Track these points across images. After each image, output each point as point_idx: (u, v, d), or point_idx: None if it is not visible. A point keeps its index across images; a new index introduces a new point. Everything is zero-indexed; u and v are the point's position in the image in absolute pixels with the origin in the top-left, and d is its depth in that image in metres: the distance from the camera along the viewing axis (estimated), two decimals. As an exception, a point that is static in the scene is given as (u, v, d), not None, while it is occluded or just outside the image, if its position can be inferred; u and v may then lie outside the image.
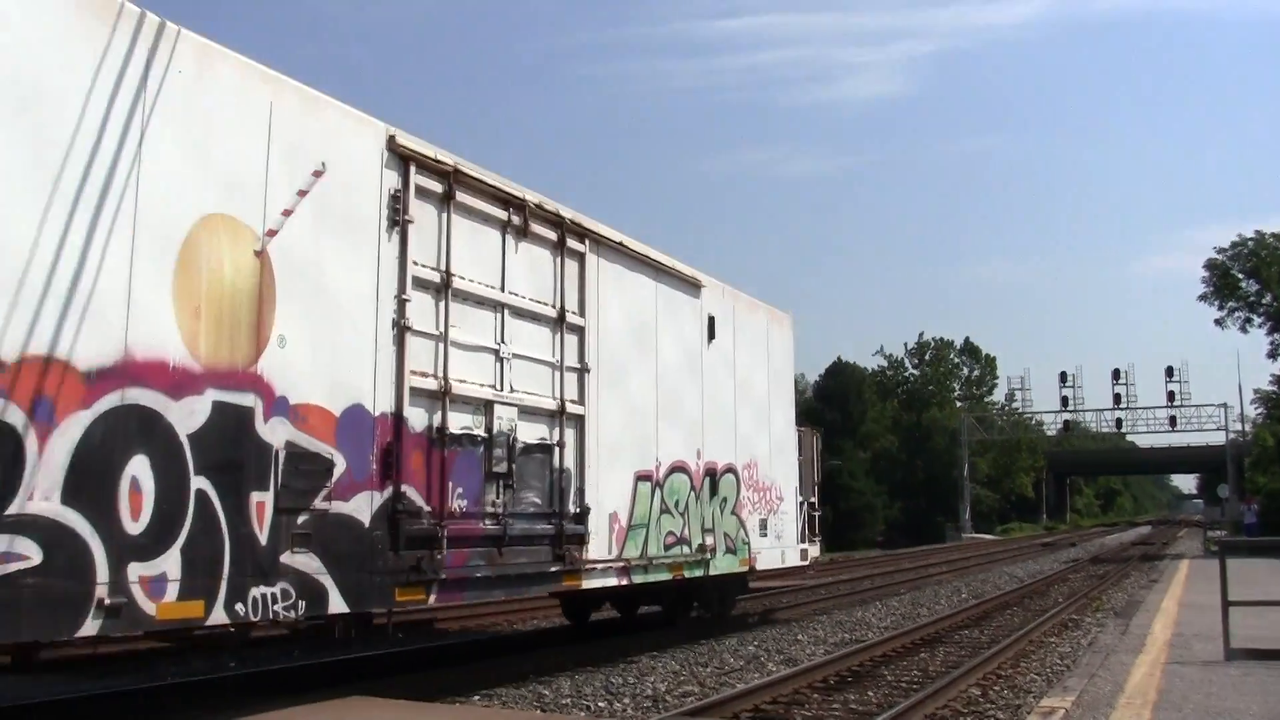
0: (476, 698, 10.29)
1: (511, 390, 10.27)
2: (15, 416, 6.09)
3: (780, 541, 16.52)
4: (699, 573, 14.01)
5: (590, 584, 11.58)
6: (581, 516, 11.18)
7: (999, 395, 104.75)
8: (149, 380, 6.84)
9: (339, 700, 8.89)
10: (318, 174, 8.15)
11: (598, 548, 11.52)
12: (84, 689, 10.07)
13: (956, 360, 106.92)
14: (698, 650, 13.78)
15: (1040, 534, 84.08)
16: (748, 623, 17.01)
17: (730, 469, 14.94)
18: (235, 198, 7.54)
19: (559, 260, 11.19)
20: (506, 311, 10.31)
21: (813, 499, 18.36)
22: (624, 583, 12.23)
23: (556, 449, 10.86)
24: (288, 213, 7.89)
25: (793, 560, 17.14)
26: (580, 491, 11.23)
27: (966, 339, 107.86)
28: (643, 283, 12.99)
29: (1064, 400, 73.78)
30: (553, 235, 11.11)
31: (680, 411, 13.59)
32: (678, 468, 13.44)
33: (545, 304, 10.92)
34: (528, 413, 10.52)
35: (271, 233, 7.75)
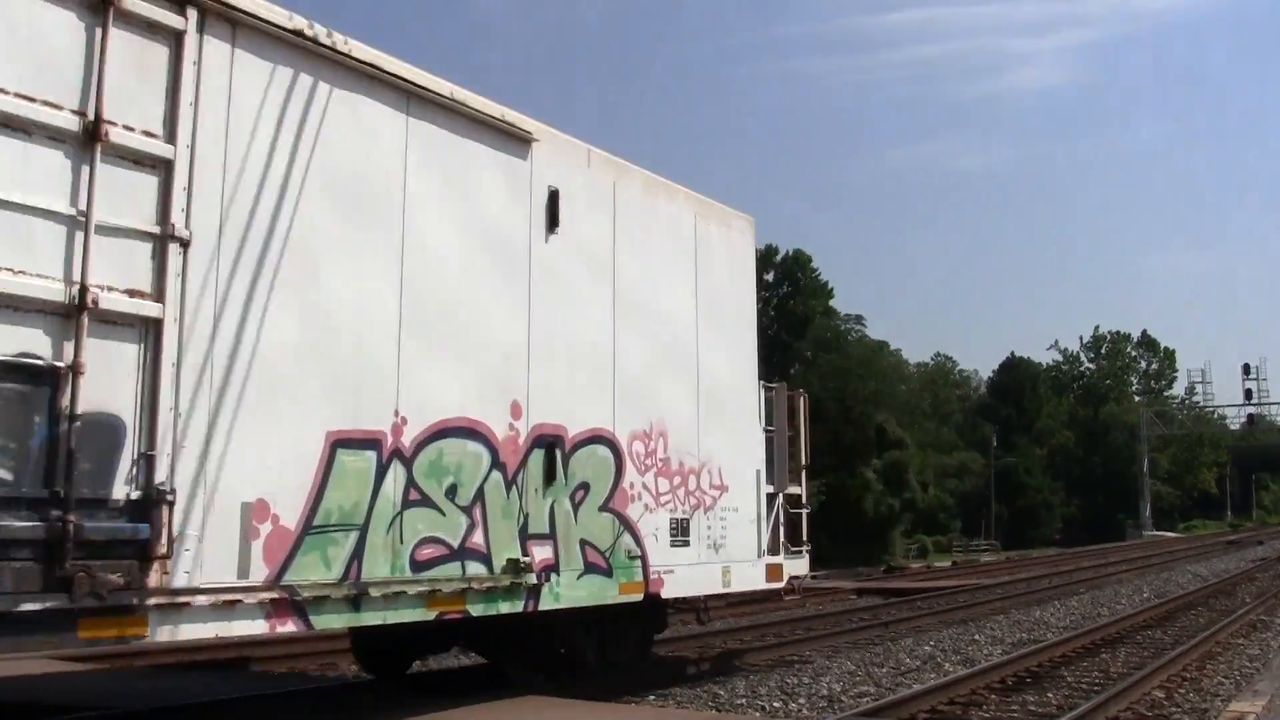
0: (651, 697, 10.51)
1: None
2: None
3: (722, 554, 11.09)
4: (509, 607, 8.71)
5: (183, 629, 6.43)
6: (141, 506, 6.10)
7: (1179, 389, 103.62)
8: None
9: (516, 699, 8.98)
10: None
11: (210, 564, 6.40)
12: (245, 689, 10.14)
13: (1134, 354, 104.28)
14: (873, 651, 14.12)
15: (1224, 531, 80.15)
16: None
17: (601, 437, 9.62)
18: None
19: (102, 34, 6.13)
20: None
21: (795, 490, 12.84)
22: (288, 627, 7.05)
23: (67, 376, 5.82)
24: None
25: (749, 581, 11.68)
26: (147, 460, 6.16)
27: (1144, 332, 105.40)
28: (377, 116, 7.79)
29: (1247, 393, 71.22)
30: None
31: (470, 333, 8.37)
32: (457, 429, 8.20)
33: (57, 106, 5.88)
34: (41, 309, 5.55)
35: None
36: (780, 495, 12.28)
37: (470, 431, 8.31)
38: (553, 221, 9.25)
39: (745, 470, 11.59)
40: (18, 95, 5.70)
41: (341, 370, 7.32)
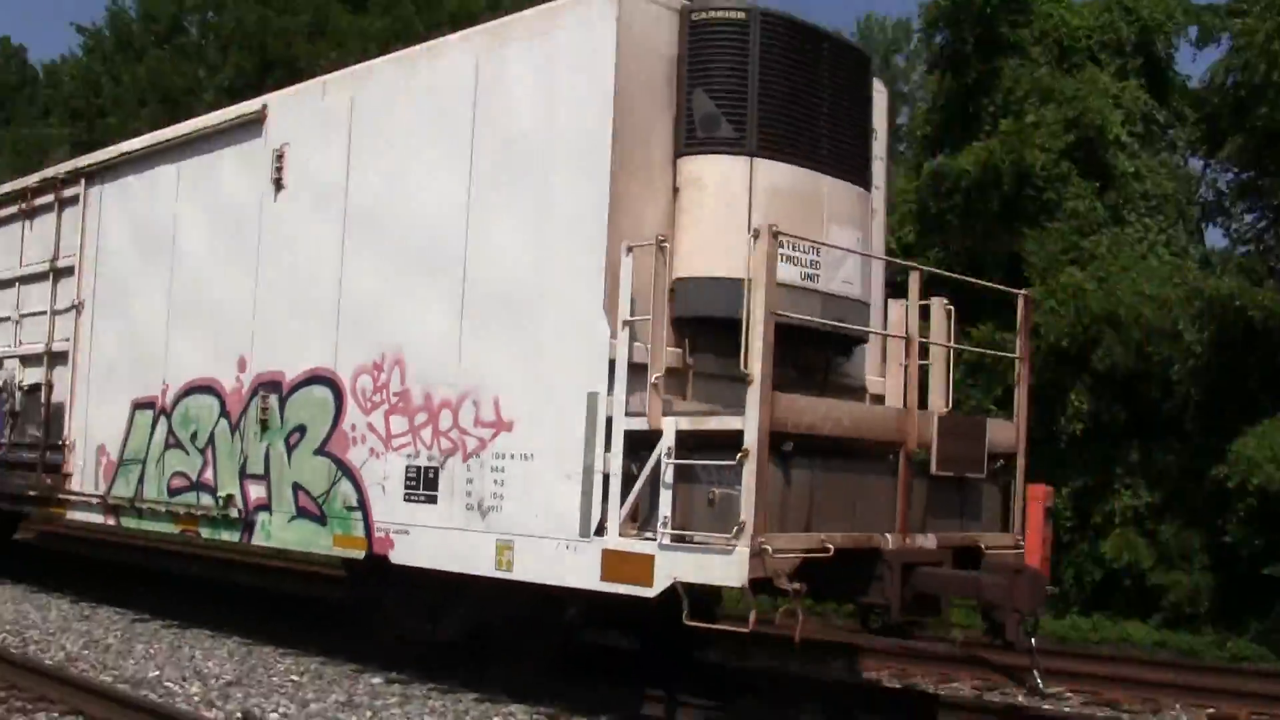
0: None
1: (20, 344, 12.98)
2: None
3: (493, 521, 8.00)
4: (230, 535, 10.09)
5: (74, 516, 11.81)
6: (59, 448, 12.02)
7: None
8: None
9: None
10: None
11: (82, 482, 11.80)
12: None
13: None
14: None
15: None
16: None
17: (319, 377, 9.47)
18: None
19: (57, 215, 12.52)
20: (19, 284, 13.10)
21: (694, 419, 6.80)
22: (111, 522, 11.31)
23: (44, 387, 12.40)
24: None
25: (555, 571, 7.57)
26: (62, 424, 12.05)
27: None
28: (157, 177, 11.27)
29: None
30: (50, 197, 12.61)
31: (211, 309, 10.56)
32: (198, 387, 10.58)
33: (45, 262, 12.64)
34: (28, 360, 12.82)
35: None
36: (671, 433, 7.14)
37: (206, 388, 10.52)
38: (279, 179, 10.00)
39: (557, 396, 7.72)
40: (37, 263, 12.83)
41: (138, 356, 11.33)
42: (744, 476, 6.72)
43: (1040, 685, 7.77)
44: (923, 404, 8.35)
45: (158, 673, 9.51)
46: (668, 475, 7.06)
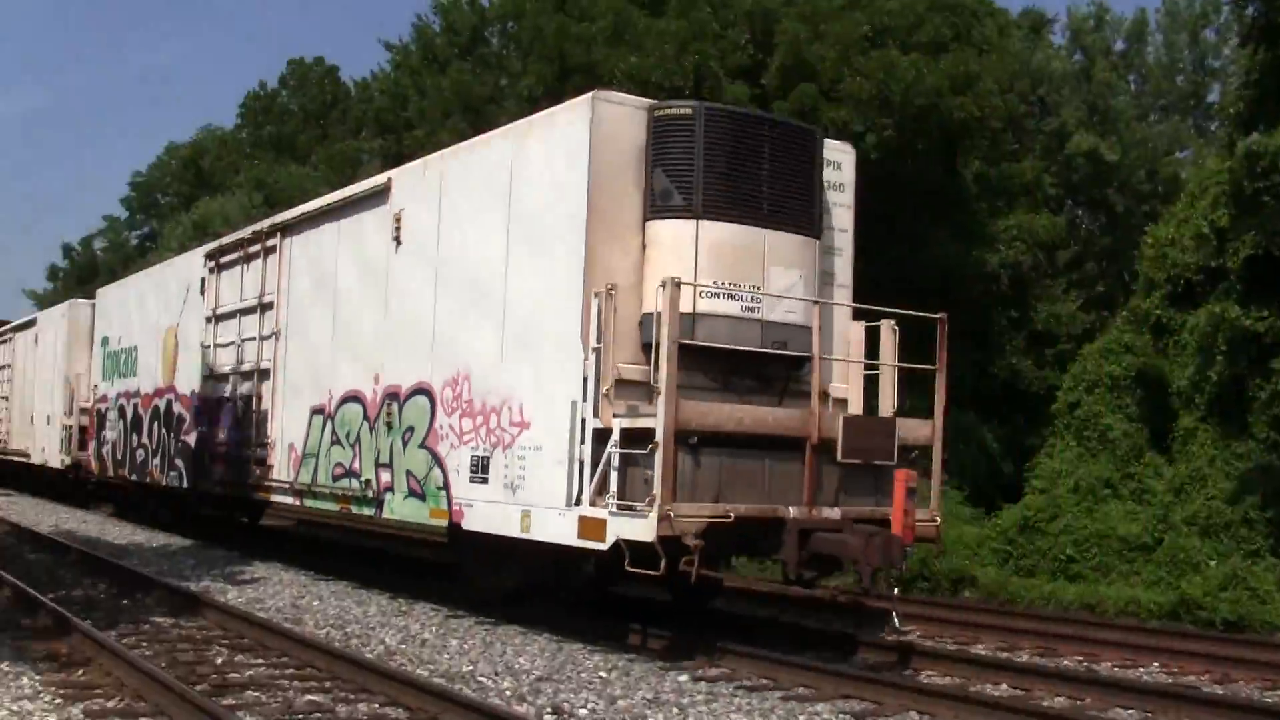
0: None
1: (240, 364, 16.78)
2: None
3: (520, 496, 10.86)
4: (369, 511, 13.35)
5: (276, 499, 15.40)
6: (265, 445, 15.69)
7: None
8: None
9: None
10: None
11: (279, 471, 15.40)
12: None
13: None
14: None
15: None
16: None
17: (421, 390, 12.58)
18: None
19: (263, 260, 16.19)
20: (239, 315, 16.91)
21: (632, 419, 9.34)
22: (298, 503, 14.83)
23: (255, 398, 16.11)
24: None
25: (555, 532, 10.33)
26: (266, 427, 15.72)
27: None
28: (325, 232, 14.69)
29: None
30: (259, 247, 16.30)
31: (358, 337, 13.86)
32: (350, 397, 13.90)
33: (255, 298, 16.35)
34: (245, 376, 16.57)
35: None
36: (597, 429, 9.84)
37: (355, 397, 13.82)
38: (398, 237, 13.18)
39: (553, 402, 10.53)
40: (251, 299, 16.57)
41: (315, 373, 14.79)
42: (655, 462, 9.30)
43: (896, 624, 9.90)
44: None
45: (471, 667, 9.82)
46: (615, 461, 9.73)
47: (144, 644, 10.31)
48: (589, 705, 8.56)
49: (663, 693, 9.05)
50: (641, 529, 9.38)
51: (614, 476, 9.75)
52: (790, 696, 8.96)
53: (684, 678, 9.60)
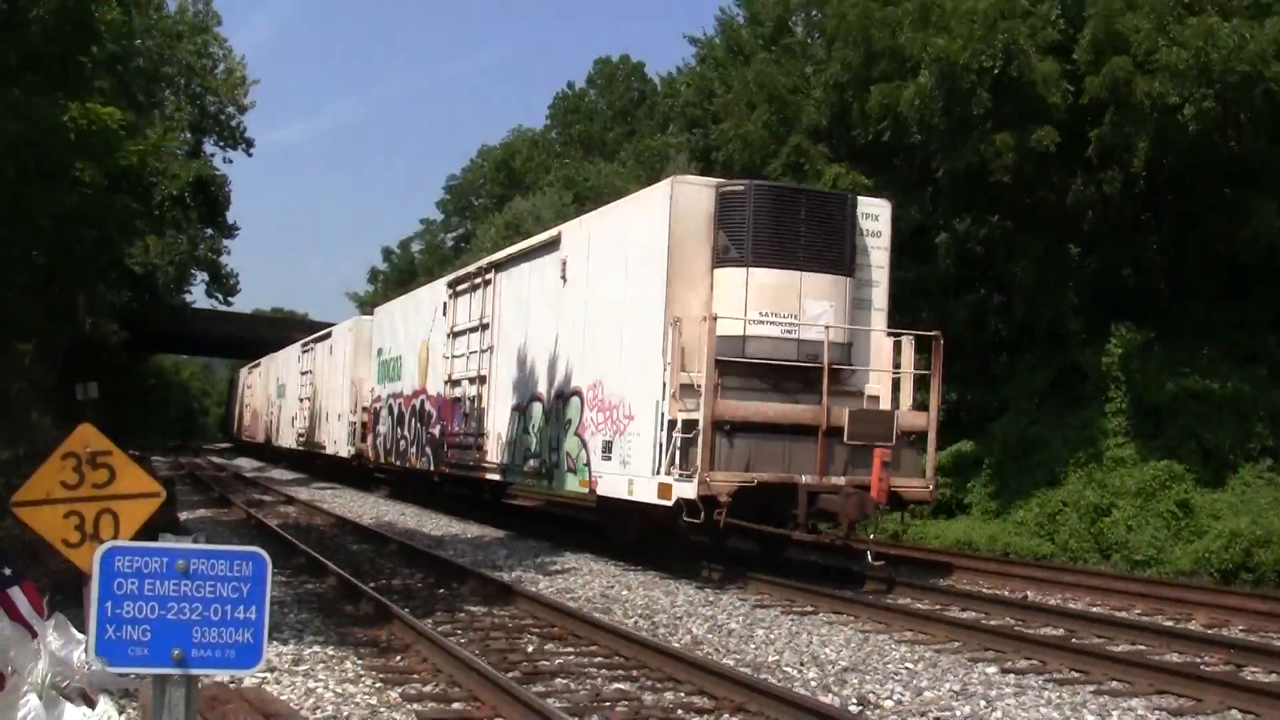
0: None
1: (468, 371, 21.80)
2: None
3: (628, 469, 15.19)
4: (545, 483, 17.95)
5: (489, 476, 20.26)
6: (482, 436, 20.60)
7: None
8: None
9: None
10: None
11: (490, 455, 20.28)
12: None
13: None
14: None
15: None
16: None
17: (576, 392, 17.09)
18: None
19: (484, 290, 21.11)
20: (468, 332, 21.93)
21: (688, 412, 13.50)
22: (501, 479, 19.62)
23: (476, 399, 21.05)
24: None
25: (645, 495, 14.59)
26: (483, 422, 20.62)
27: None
28: (522, 270, 19.42)
29: None
30: (480, 279, 21.24)
31: (540, 351, 18.50)
32: (535, 398, 18.58)
33: (478, 319, 21.30)
34: (471, 381, 21.57)
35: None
36: (673, 420, 14.02)
37: (539, 398, 18.46)
38: (564, 278, 17.72)
39: (645, 400, 14.81)
40: (476, 321, 21.54)
41: (514, 380, 19.55)
42: (698, 443, 13.42)
43: (870, 561, 13.59)
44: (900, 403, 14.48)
45: (777, 657, 10.10)
46: (678, 443, 13.89)
47: (459, 632, 10.86)
48: (895, 696, 8.69)
49: (970, 684, 9.17)
50: (689, 490, 13.53)
51: (677, 454, 13.93)
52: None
53: (992, 670, 9.79)
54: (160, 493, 5.43)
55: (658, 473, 14.38)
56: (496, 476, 20.55)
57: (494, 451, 20.35)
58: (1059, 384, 21.59)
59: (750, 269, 14.35)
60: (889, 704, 8.50)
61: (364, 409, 30.66)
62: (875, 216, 15.44)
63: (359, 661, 9.43)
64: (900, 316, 17.99)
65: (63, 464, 5.17)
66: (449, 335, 23.23)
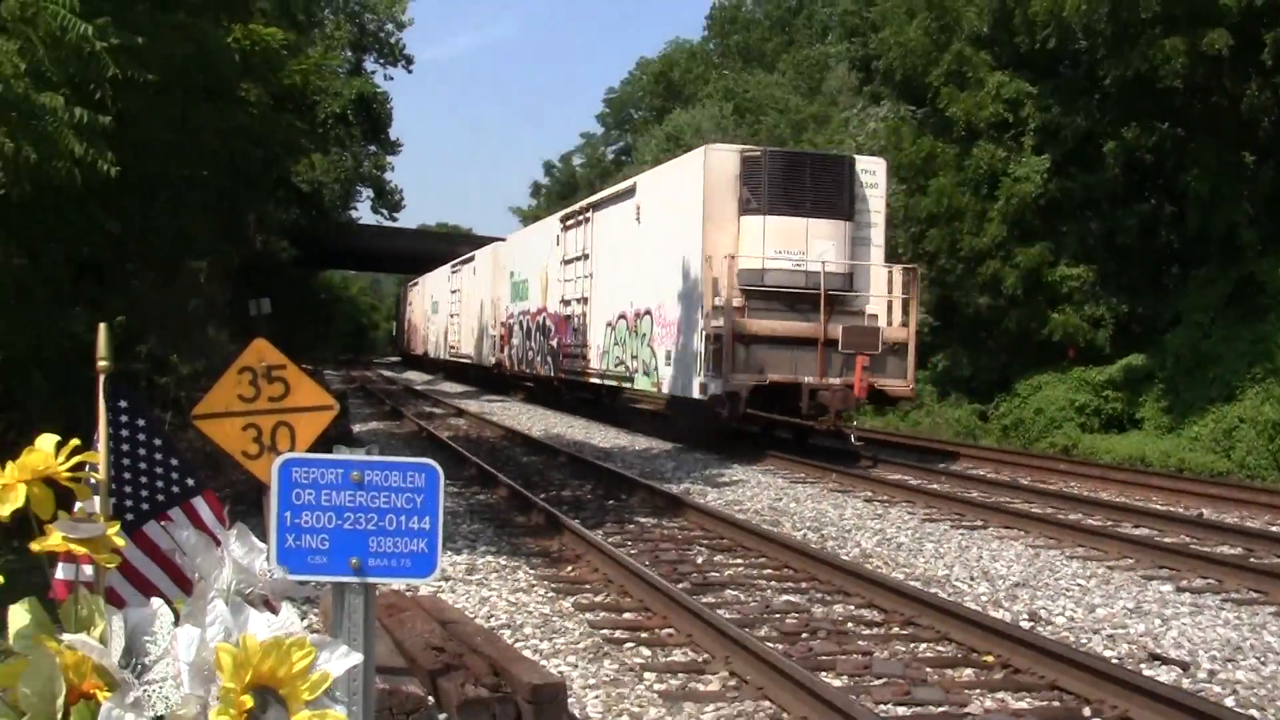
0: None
1: (573, 293, 26.61)
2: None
3: (680, 372, 19.81)
4: (628, 384, 22.72)
5: (591, 380, 25.14)
6: (584, 348, 25.42)
7: None
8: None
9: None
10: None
11: (591, 363, 25.11)
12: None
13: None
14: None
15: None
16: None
17: (647, 311, 21.73)
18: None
19: (585, 226, 25.78)
20: (576, 260, 26.68)
21: (719, 328, 18.02)
22: (600, 381, 24.48)
23: (580, 317, 25.85)
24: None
25: (690, 391, 19.21)
26: (585, 336, 25.44)
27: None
28: (611, 210, 24.01)
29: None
30: (582, 216, 25.93)
31: (623, 278, 23.15)
32: (620, 315, 23.28)
33: (582, 250, 26.01)
34: (578, 302, 26.37)
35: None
36: (710, 333, 18.57)
37: (623, 315, 23.15)
38: (638, 219, 22.26)
39: (691, 319, 19.37)
40: (581, 252, 26.27)
41: (607, 301, 24.27)
42: (722, 351, 17.97)
43: (853, 441, 18.00)
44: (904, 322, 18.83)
45: (947, 571, 10.09)
46: (710, 351, 18.43)
47: (629, 543, 11.03)
48: (1067, 613, 8.67)
49: (1144, 602, 9.07)
50: (717, 387, 18.12)
51: (710, 360, 18.49)
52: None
53: (1167, 588, 9.66)
54: (334, 405, 5.43)
55: (698, 374, 18.98)
56: (597, 380, 25.42)
57: (594, 359, 25.19)
58: (1235, 296, 21.18)
59: (766, 216, 18.69)
60: (1060, 620, 8.49)
61: (501, 324, 35.85)
62: (873, 172, 19.56)
63: (531, 571, 9.66)
64: (1065, 228, 20.88)
65: (239, 378, 5.23)
66: (561, 263, 28.04)
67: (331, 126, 42.07)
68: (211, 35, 11.45)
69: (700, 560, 10.42)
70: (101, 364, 3.00)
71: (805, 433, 20.52)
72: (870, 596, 8.92)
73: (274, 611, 2.09)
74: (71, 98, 8.30)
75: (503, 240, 38.84)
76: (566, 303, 27.58)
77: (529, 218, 63.78)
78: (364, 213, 61.61)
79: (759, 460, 18.48)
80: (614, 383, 24.21)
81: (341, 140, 48.24)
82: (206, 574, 2.25)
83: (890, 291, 19.29)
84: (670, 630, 7.99)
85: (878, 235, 19.65)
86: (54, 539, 2.05)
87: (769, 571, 9.99)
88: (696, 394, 19.05)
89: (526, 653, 6.76)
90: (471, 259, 41.89)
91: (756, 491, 15.06)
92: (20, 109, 8.01)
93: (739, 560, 10.46)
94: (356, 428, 22.01)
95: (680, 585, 8.98)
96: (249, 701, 1.74)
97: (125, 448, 3.31)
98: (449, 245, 54.77)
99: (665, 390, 20.64)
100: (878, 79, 26.99)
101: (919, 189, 25.89)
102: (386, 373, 58.67)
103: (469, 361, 40.96)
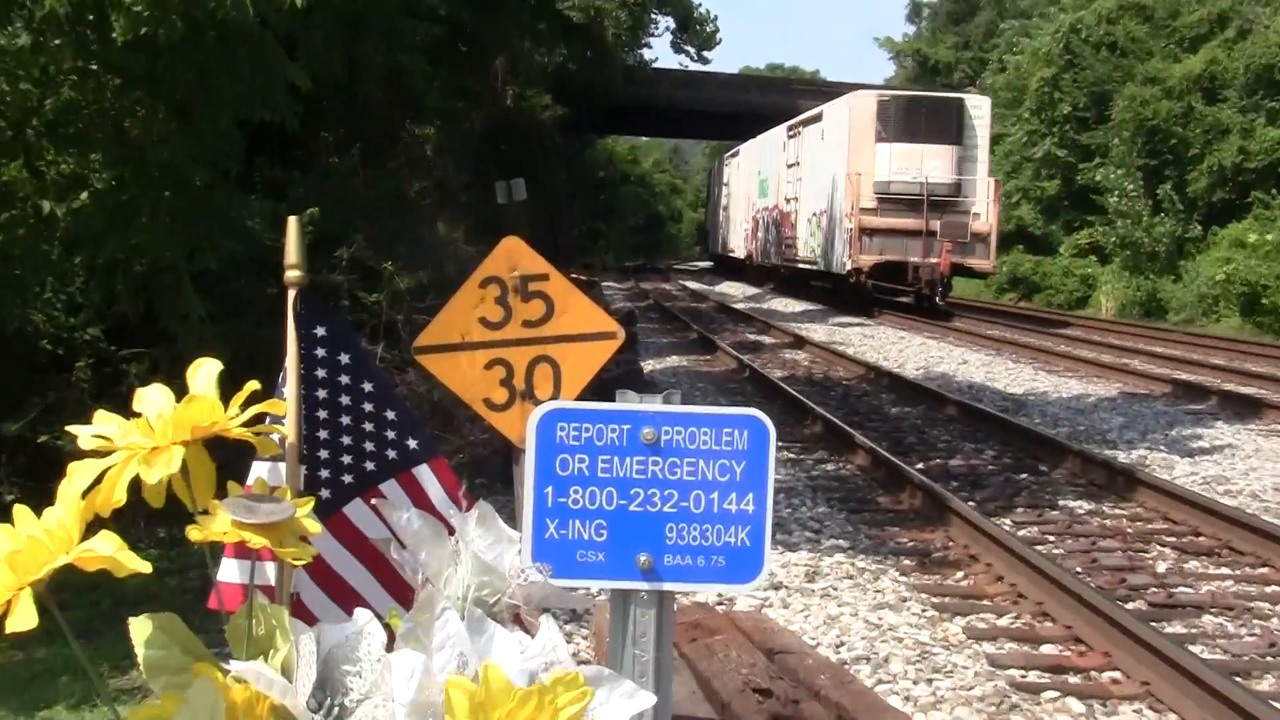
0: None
1: (792, 194, 36.05)
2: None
3: (839, 255, 29.13)
4: (819, 265, 32.26)
5: (801, 266, 34.71)
6: (794, 239, 34.92)
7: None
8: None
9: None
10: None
11: (800, 252, 34.60)
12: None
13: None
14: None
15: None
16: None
17: (826, 211, 30.95)
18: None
19: (798, 139, 35.08)
20: (791, 166, 36.09)
21: (854, 225, 27.23)
22: (804, 266, 34.10)
23: (794, 213, 35.27)
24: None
25: (840, 268, 28.58)
26: (795, 229, 34.94)
27: None
28: (811, 129, 33.22)
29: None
30: (795, 131, 35.27)
31: (816, 185, 32.35)
32: (813, 213, 32.58)
33: (795, 159, 35.35)
34: (790, 200, 35.80)
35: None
36: (850, 229, 27.81)
37: (815, 214, 32.46)
38: (822, 139, 31.45)
39: (840, 218, 28.64)
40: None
41: (808, 202, 33.67)
42: (856, 237, 27.34)
43: (940, 305, 26.89)
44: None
45: None
46: (848, 239, 27.78)
47: (1049, 538, 8.69)
48: None
49: None
50: (850, 264, 27.48)
51: (848, 246, 27.76)
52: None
53: None
54: (617, 333, 4.27)
55: (843, 256, 28.32)
56: (802, 265, 34.93)
57: (801, 248, 34.66)
58: None
59: (893, 144, 27.59)
60: None
61: (752, 216, 45.36)
62: (979, 108, 28.11)
63: (901, 579, 7.64)
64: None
65: (481, 294, 4.06)
66: (786, 166, 37.41)
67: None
68: None
69: (1162, 567, 8.12)
70: (290, 274, 2.40)
71: (922, 299, 29.45)
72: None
73: (529, 631, 1.61)
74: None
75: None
76: (788, 200, 36.98)
77: (905, 54, 55.50)
78: (661, 52, 49.66)
79: (1254, 417, 13.91)
80: (809, 266, 33.72)
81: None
82: (434, 576, 1.76)
83: (989, 196, 27.85)
84: (1115, 675, 6.12)
85: (983, 154, 28.19)
86: (219, 524, 1.48)
87: (1275, 589, 7.59)
88: (843, 270, 28.51)
89: (894, 701, 5.48)
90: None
91: (1254, 464, 11.43)
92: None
93: (1225, 570, 8.07)
94: (649, 365, 17.70)
95: (1130, 605, 7.07)
96: None
97: (321, 394, 2.51)
98: (785, 97, 45.27)
99: (834, 269, 30.12)
100: None
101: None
102: (692, 284, 46.59)
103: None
